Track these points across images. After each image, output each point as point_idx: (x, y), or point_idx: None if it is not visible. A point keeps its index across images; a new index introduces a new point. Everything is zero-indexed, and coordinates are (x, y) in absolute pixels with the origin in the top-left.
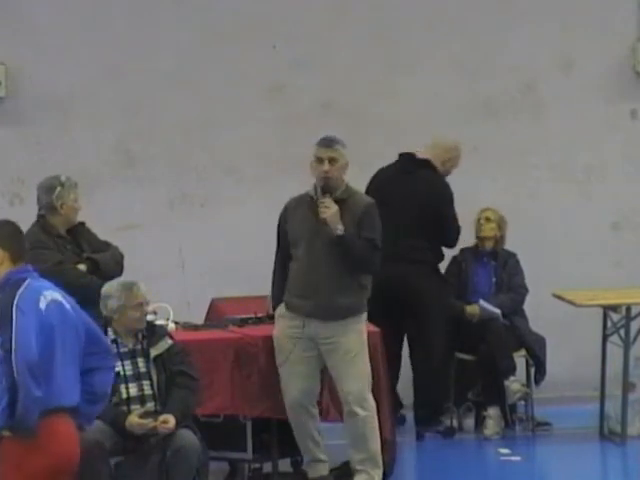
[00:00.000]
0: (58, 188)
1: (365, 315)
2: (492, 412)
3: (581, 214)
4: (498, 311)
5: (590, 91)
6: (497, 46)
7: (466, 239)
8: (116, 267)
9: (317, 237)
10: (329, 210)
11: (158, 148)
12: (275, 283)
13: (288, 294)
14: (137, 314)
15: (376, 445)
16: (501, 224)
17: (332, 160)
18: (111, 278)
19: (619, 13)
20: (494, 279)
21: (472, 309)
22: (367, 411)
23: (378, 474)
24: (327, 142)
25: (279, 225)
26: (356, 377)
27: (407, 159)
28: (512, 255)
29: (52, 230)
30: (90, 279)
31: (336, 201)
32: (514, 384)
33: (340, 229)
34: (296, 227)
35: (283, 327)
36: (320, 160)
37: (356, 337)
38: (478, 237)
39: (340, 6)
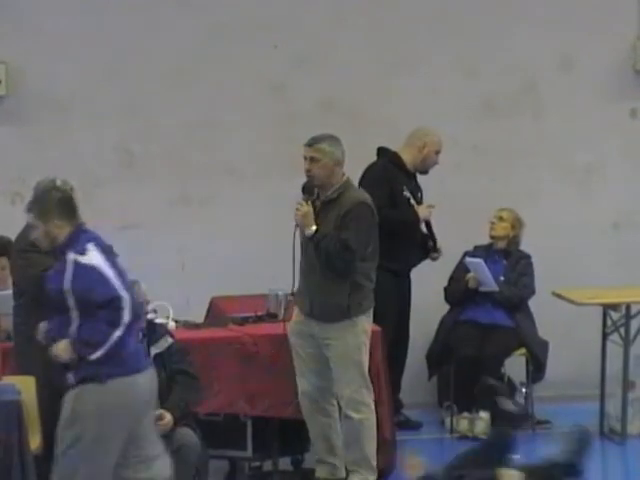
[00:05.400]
0: None
1: (366, 316)
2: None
3: (581, 214)
4: (495, 285)
5: (590, 90)
6: (497, 46)
7: (472, 238)
8: None
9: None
10: (299, 212)
11: (158, 148)
12: None
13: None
14: None
15: (370, 449)
16: (515, 224)
17: (313, 159)
18: None
19: (619, 13)
20: (502, 278)
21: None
22: (362, 414)
23: (372, 477)
24: (310, 140)
25: None
26: (349, 381)
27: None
28: (526, 257)
29: None
30: None
31: (327, 201)
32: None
33: (310, 231)
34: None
35: (292, 322)
36: (304, 158)
37: (352, 340)
38: (491, 236)
39: (340, 6)
